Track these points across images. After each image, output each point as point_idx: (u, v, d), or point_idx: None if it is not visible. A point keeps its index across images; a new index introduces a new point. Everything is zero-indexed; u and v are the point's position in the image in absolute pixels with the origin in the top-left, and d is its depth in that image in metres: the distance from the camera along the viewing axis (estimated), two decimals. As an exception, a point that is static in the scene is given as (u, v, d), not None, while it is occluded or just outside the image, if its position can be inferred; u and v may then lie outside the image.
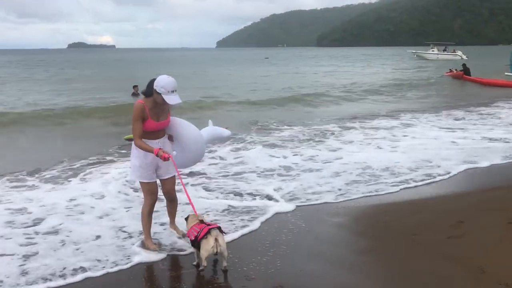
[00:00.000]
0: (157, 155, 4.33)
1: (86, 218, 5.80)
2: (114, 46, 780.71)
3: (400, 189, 6.91)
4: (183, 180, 5.55)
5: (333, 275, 4.26)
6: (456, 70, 30.82)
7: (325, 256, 4.67)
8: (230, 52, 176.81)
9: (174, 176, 4.80)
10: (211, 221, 5.03)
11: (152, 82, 4.41)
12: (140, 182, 4.67)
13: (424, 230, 5.26)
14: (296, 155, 9.24)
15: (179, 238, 4.99)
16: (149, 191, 4.67)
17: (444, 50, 72.20)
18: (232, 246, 4.75)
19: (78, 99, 20.43)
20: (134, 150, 4.56)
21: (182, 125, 4.74)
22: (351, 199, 6.48)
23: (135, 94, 19.67)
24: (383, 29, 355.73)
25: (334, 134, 11.58)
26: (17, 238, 5.14)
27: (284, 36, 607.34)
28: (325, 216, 5.83)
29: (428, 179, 7.38)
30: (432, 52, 71.48)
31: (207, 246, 4.06)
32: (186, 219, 4.58)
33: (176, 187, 4.98)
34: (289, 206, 6.14)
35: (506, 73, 27.21)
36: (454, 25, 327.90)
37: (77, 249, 4.84)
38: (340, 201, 6.42)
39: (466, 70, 28.70)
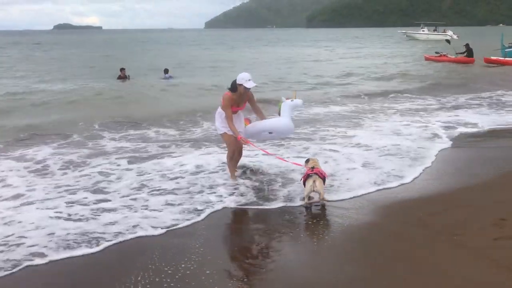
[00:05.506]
0: (240, 140, 6.10)
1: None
2: (101, 27, 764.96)
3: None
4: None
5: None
6: (443, 54, 26.92)
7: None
8: (221, 32, 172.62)
9: None
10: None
11: (234, 81, 6.07)
12: (225, 134, 6.31)
13: (465, 229, 4.72)
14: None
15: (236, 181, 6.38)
16: (232, 141, 6.28)
17: (435, 30, 71.89)
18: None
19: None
20: (220, 119, 6.26)
21: (272, 123, 6.44)
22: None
23: (121, 77, 19.20)
24: (373, 10, 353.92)
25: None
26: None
27: (273, 17, 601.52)
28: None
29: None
30: (423, 32, 71.29)
31: (308, 186, 5.38)
32: (307, 161, 5.90)
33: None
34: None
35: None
36: (442, 6, 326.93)
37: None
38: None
39: (469, 51, 25.55)
